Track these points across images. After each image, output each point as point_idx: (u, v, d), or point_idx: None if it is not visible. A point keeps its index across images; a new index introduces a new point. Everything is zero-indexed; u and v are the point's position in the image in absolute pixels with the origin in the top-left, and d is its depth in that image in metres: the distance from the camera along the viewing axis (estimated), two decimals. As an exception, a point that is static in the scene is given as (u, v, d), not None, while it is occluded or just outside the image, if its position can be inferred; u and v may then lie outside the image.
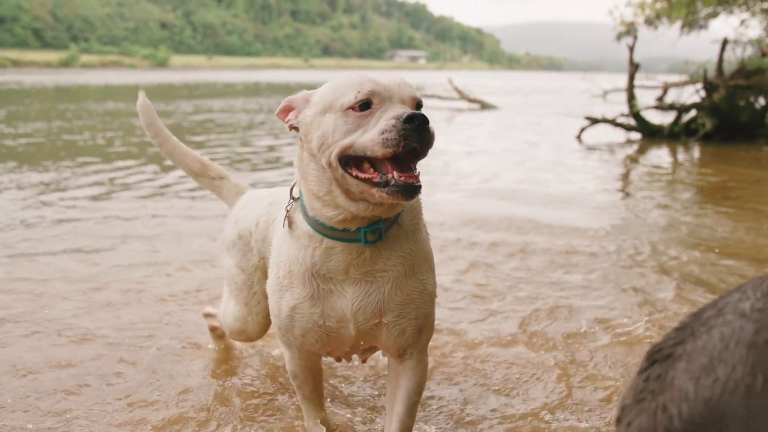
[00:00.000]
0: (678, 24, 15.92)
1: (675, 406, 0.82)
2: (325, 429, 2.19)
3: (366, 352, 2.15)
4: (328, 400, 2.54)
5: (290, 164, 9.06)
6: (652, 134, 12.75)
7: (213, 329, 2.95)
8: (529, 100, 27.58)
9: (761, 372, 0.77)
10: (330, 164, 1.69)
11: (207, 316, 2.95)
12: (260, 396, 2.62)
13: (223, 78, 50.64)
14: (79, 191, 6.72)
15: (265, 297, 2.06)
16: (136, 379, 2.71)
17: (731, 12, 15.56)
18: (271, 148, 10.67)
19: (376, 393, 2.66)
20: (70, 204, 6.06)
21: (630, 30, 15.69)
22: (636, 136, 13.01)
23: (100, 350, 2.97)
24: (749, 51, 14.31)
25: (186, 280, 3.96)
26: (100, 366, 2.81)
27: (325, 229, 1.79)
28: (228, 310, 2.50)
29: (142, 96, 2.55)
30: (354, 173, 1.67)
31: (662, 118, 13.35)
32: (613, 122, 12.72)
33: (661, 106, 13.17)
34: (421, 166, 1.70)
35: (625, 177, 8.95)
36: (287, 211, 1.91)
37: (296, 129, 1.80)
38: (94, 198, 6.42)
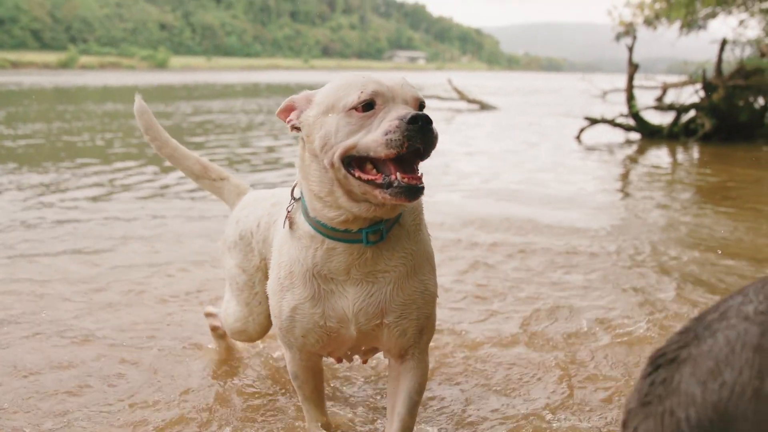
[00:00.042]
0: (677, 24, 15.95)
1: (682, 411, 0.82)
2: None
3: (367, 353, 2.15)
4: (330, 401, 2.54)
5: (290, 165, 9.07)
6: (651, 134, 12.76)
7: (214, 329, 2.95)
8: (529, 101, 27.59)
9: None
10: (332, 165, 1.68)
11: (208, 315, 2.95)
12: (261, 396, 2.62)
13: (223, 79, 50.63)
14: (79, 192, 6.72)
15: (266, 297, 2.06)
16: (137, 380, 2.71)
17: (730, 12, 15.58)
18: (271, 149, 10.67)
19: (377, 394, 2.66)
20: (70, 205, 6.06)
21: (629, 30, 15.71)
22: (635, 136, 13.02)
23: (101, 351, 2.97)
24: (748, 51, 14.33)
25: (186, 281, 3.96)
26: (101, 367, 2.82)
27: (326, 230, 1.79)
28: (229, 311, 2.50)
29: (138, 99, 2.54)
30: (357, 174, 1.66)
31: (661, 119, 13.36)
32: (613, 122, 12.73)
33: (661, 106, 13.18)
34: (421, 166, 1.70)
35: (625, 177, 8.95)
36: (288, 212, 1.91)
37: (298, 129, 1.79)
38: (94, 199, 6.41)
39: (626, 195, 7.61)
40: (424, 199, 1.90)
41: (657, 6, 15.80)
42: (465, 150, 10.81)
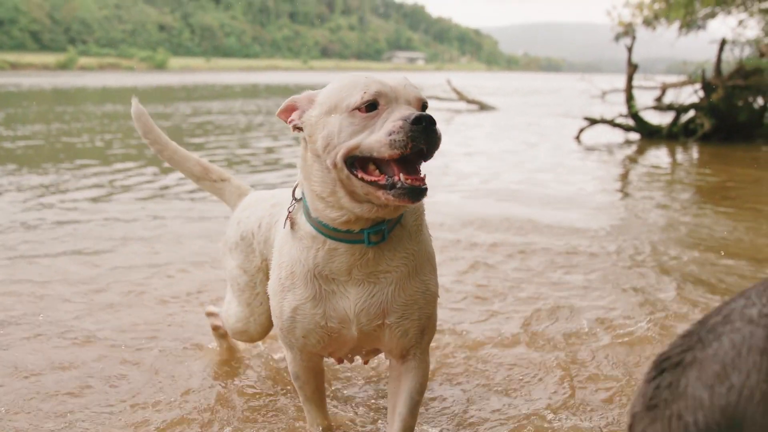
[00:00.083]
0: (676, 24, 15.95)
1: (690, 414, 0.82)
2: None
3: (368, 353, 2.15)
4: (331, 401, 2.54)
5: (289, 166, 9.08)
6: (650, 135, 12.77)
7: (215, 328, 2.95)
8: (528, 101, 27.61)
9: None
10: (335, 165, 1.68)
11: (210, 315, 2.95)
12: (262, 397, 2.62)
13: (222, 80, 50.63)
14: (78, 193, 6.71)
15: (268, 298, 2.06)
16: (138, 381, 2.71)
17: (729, 12, 15.58)
18: (270, 150, 10.66)
19: (378, 394, 2.66)
20: (70, 206, 6.06)
21: (628, 31, 15.69)
22: (635, 136, 13.03)
23: (102, 352, 2.97)
24: (747, 51, 14.32)
25: (187, 282, 3.96)
26: (102, 368, 2.82)
27: (328, 230, 1.79)
28: (230, 311, 2.50)
29: (135, 103, 2.52)
30: (360, 175, 1.66)
31: (661, 119, 13.37)
32: (612, 123, 12.73)
33: (660, 106, 13.19)
34: (421, 167, 1.70)
35: (624, 177, 8.96)
36: (289, 212, 1.91)
37: (300, 129, 1.79)
38: (94, 200, 6.41)
39: (626, 195, 7.62)
40: (425, 199, 1.90)
41: (656, 6, 15.80)
42: (464, 150, 10.82)
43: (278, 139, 12.20)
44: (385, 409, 2.47)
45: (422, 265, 1.89)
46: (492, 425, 2.41)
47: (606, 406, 2.52)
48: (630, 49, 12.64)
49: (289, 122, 1.81)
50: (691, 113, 12.54)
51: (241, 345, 3.00)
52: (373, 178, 1.65)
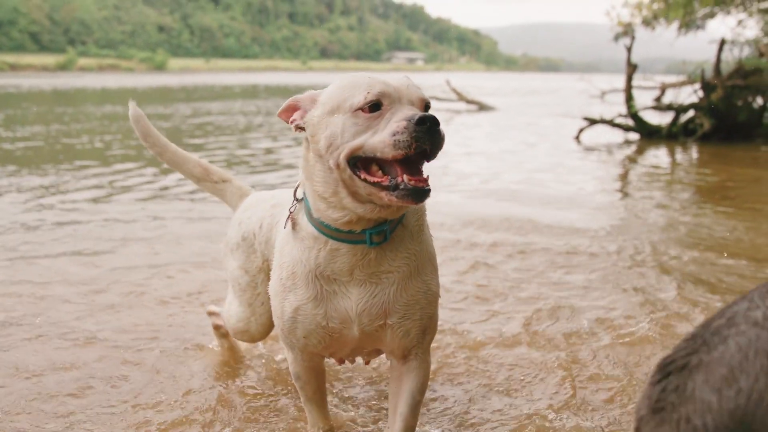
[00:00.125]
0: (675, 24, 15.97)
1: (699, 418, 0.82)
2: None
3: (370, 354, 2.15)
4: (332, 402, 2.54)
5: (289, 166, 9.07)
6: (650, 134, 12.77)
7: (217, 327, 2.95)
8: (527, 101, 27.61)
9: None
10: (338, 165, 1.68)
11: (211, 314, 2.96)
12: (263, 397, 2.62)
13: (221, 81, 50.62)
14: (78, 194, 6.71)
15: (269, 298, 2.06)
16: (139, 381, 2.71)
17: (728, 12, 15.60)
18: (269, 151, 10.66)
19: (379, 395, 2.66)
20: (70, 207, 6.06)
21: (627, 31, 15.71)
22: (634, 136, 13.04)
23: (103, 353, 2.97)
24: (746, 51, 14.34)
25: (187, 282, 3.96)
26: (103, 368, 2.82)
27: (329, 231, 1.79)
28: (232, 311, 2.50)
29: (132, 106, 2.51)
30: (363, 176, 1.66)
31: (660, 119, 13.38)
32: (612, 123, 12.74)
33: (659, 106, 13.20)
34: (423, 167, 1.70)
35: (624, 177, 8.96)
36: (291, 213, 1.91)
37: (302, 129, 1.79)
38: (94, 201, 6.41)
39: (625, 195, 7.62)
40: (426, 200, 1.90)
41: (655, 6, 15.81)
42: (464, 150, 10.82)
43: (278, 139, 12.20)
44: (386, 409, 2.47)
45: (424, 265, 1.89)
46: (493, 425, 2.41)
47: (607, 406, 2.52)
48: (629, 49, 12.64)
49: (291, 122, 1.80)
50: (691, 113, 12.55)
51: (242, 345, 3.00)
52: (376, 179, 1.65)
